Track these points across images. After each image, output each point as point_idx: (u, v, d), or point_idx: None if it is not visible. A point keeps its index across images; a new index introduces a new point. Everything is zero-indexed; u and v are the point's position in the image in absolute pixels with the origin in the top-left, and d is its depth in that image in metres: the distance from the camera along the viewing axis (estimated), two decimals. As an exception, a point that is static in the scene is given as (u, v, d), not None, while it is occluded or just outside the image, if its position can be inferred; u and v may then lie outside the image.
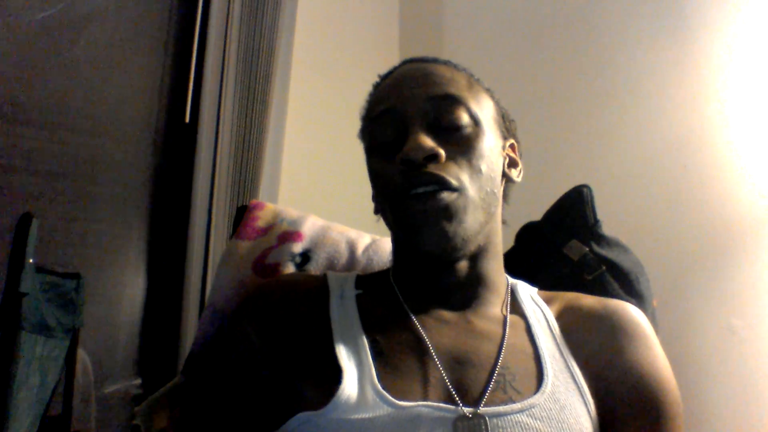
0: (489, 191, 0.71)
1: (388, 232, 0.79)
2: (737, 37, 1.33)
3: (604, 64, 1.57)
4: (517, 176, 0.80)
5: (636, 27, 1.51)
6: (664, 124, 1.41)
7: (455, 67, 0.78)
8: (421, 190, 0.66)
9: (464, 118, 0.71)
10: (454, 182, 0.67)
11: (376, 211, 0.81)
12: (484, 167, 0.71)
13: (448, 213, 0.66)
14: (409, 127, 0.70)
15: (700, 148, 1.34)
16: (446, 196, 0.66)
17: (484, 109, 0.75)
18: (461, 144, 0.70)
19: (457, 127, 0.71)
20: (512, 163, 0.79)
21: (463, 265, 0.72)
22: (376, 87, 0.80)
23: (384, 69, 0.83)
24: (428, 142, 0.68)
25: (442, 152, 0.68)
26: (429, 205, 0.66)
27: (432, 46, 2.04)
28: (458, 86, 0.74)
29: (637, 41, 1.50)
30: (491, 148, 0.73)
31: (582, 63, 1.61)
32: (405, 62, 0.80)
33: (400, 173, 0.68)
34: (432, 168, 0.67)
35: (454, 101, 0.72)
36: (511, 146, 0.80)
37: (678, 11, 1.43)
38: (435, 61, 0.78)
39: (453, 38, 2.01)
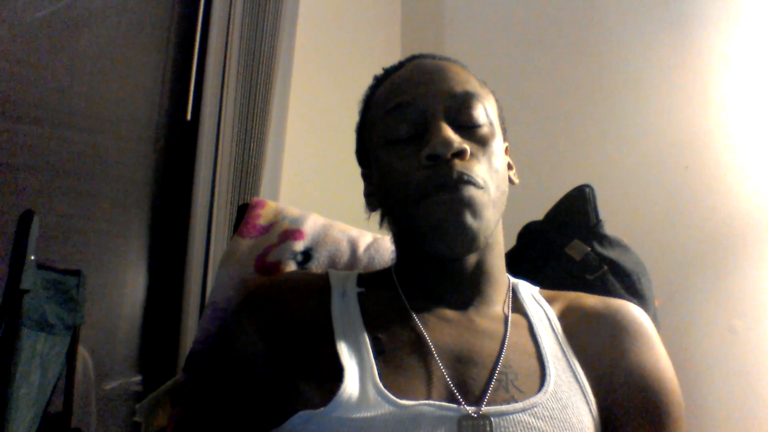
0: (503, 190, 0.71)
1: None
2: (739, 37, 1.33)
3: (605, 64, 1.56)
4: (515, 178, 0.80)
5: (637, 27, 1.51)
6: (666, 124, 1.41)
7: (464, 66, 0.78)
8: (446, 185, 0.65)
9: (483, 117, 0.71)
10: (480, 180, 0.66)
11: (373, 209, 0.80)
12: (499, 166, 0.71)
13: (473, 208, 0.65)
14: (431, 121, 0.69)
15: (701, 148, 1.34)
16: (472, 190, 0.65)
17: (493, 109, 0.75)
18: (480, 142, 0.70)
19: (477, 125, 0.70)
20: (509, 166, 0.80)
21: (470, 258, 0.71)
22: (381, 80, 0.79)
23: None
24: (456, 137, 0.67)
25: (468, 148, 0.67)
26: (455, 197, 0.64)
27: (433, 46, 2.04)
28: (474, 85, 0.74)
29: (638, 41, 1.50)
30: (502, 148, 0.74)
31: (584, 63, 1.61)
32: (413, 57, 0.79)
33: (423, 168, 0.67)
34: (458, 164, 0.66)
35: (474, 99, 0.71)
36: (506, 149, 0.80)
37: (679, 11, 1.43)
38: (446, 59, 0.78)
39: (454, 38, 2.01)
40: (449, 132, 0.67)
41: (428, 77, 0.73)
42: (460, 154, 0.67)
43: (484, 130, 0.71)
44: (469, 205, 0.65)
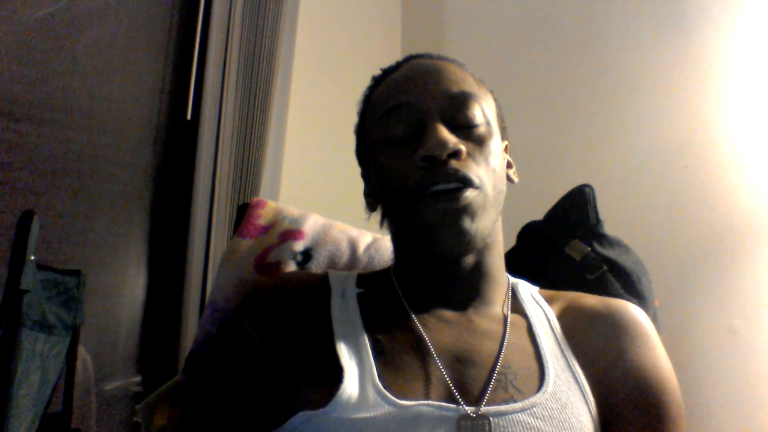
0: (500, 190, 0.72)
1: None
2: (738, 37, 1.33)
3: (605, 63, 1.56)
4: (515, 176, 0.80)
5: (637, 27, 1.51)
6: (666, 124, 1.41)
7: (462, 66, 0.78)
8: (442, 187, 0.65)
9: (479, 117, 0.71)
10: (476, 180, 0.67)
11: (373, 209, 0.80)
12: (497, 166, 0.71)
13: (470, 211, 0.65)
14: (427, 122, 0.69)
15: (701, 148, 1.34)
16: (469, 194, 0.66)
17: (491, 109, 0.75)
18: (477, 142, 0.70)
19: (474, 126, 0.71)
20: (508, 164, 0.80)
21: (469, 259, 0.72)
22: (379, 81, 0.79)
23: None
24: (452, 137, 0.67)
25: (464, 148, 0.67)
26: (452, 205, 0.65)
27: (434, 46, 2.04)
28: (471, 85, 0.74)
29: (638, 41, 1.50)
30: (499, 147, 0.74)
31: (584, 63, 1.61)
32: (411, 57, 0.79)
33: (420, 170, 0.67)
34: (454, 164, 0.66)
35: (470, 99, 0.71)
36: (505, 148, 0.80)
37: (679, 11, 1.43)
38: (443, 58, 0.78)
39: (455, 39, 2.01)
40: (445, 133, 0.67)
41: (425, 78, 0.73)
42: (455, 154, 0.67)
43: (481, 129, 0.71)
44: (466, 209, 0.65)
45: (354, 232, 0.99)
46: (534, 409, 0.61)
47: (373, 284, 0.77)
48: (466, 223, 0.65)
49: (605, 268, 0.90)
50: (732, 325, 1.23)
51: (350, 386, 0.61)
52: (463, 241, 0.66)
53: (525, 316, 0.73)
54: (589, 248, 0.92)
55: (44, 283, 1.16)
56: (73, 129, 1.53)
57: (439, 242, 0.66)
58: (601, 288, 0.88)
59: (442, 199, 0.65)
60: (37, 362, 1.11)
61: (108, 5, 1.63)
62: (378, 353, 0.65)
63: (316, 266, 0.92)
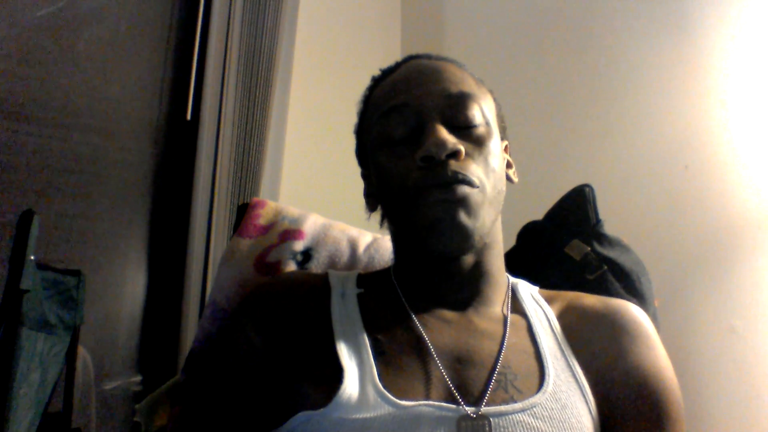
0: (500, 190, 0.72)
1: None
2: (738, 36, 1.33)
3: (605, 63, 1.56)
4: (514, 176, 0.80)
5: (637, 27, 1.51)
6: (666, 124, 1.41)
7: (461, 66, 0.78)
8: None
9: (478, 117, 0.71)
10: (475, 180, 0.67)
11: (373, 209, 0.80)
12: (496, 166, 0.71)
13: (468, 206, 0.65)
14: (426, 122, 0.69)
15: (701, 147, 1.34)
16: (467, 188, 0.66)
17: (490, 109, 0.75)
18: (476, 142, 0.70)
19: (473, 126, 0.71)
20: (508, 164, 0.80)
21: (468, 258, 0.72)
22: (378, 81, 0.80)
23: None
24: (451, 137, 0.67)
25: (463, 149, 0.67)
26: (449, 196, 0.65)
27: (433, 46, 2.04)
28: (470, 85, 0.74)
29: (638, 41, 1.50)
30: (499, 147, 0.74)
31: (584, 63, 1.61)
32: (410, 58, 0.79)
33: (419, 170, 0.67)
34: (453, 164, 0.66)
35: (469, 99, 0.72)
36: (505, 147, 0.80)
37: (679, 10, 1.43)
38: (443, 58, 0.78)
39: (454, 39, 2.01)
40: (444, 133, 0.67)
41: (423, 78, 0.73)
42: (454, 154, 0.67)
43: (480, 130, 0.71)
44: (463, 203, 0.65)
45: (354, 231, 1.00)
46: (534, 409, 0.61)
47: (373, 284, 0.77)
48: (463, 217, 0.65)
49: (605, 267, 0.90)
50: (732, 325, 1.23)
51: (350, 386, 0.61)
52: (462, 238, 0.65)
53: (525, 316, 0.73)
54: (589, 248, 0.92)
55: (44, 282, 1.16)
56: (73, 129, 1.53)
57: (437, 239, 0.66)
58: (601, 288, 0.88)
59: (440, 191, 0.65)
60: (37, 362, 1.11)
61: (108, 5, 1.63)
62: (378, 353, 0.65)
63: (316, 266, 0.92)
